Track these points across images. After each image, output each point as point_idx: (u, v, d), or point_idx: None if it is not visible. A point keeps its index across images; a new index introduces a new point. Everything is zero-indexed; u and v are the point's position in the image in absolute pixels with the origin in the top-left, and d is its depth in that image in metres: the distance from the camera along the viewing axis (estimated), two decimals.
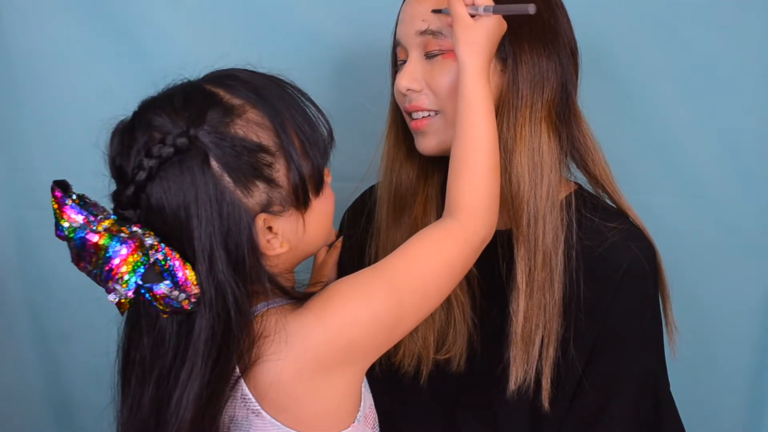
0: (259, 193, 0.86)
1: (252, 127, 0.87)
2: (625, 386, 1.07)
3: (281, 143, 0.87)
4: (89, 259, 0.82)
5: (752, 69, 1.43)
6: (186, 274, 0.83)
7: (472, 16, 0.98)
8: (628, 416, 1.07)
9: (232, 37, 1.45)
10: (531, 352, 1.04)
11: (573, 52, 1.09)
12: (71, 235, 0.82)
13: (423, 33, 1.06)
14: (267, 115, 0.88)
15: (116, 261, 0.82)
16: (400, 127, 1.15)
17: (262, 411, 0.88)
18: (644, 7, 1.43)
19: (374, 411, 0.97)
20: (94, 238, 0.82)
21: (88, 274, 0.84)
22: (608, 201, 1.12)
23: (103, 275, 0.82)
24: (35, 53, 1.44)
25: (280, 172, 0.87)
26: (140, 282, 0.82)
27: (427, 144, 1.08)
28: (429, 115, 1.07)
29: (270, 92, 0.90)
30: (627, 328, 1.07)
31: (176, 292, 0.83)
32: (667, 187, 1.47)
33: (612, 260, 1.05)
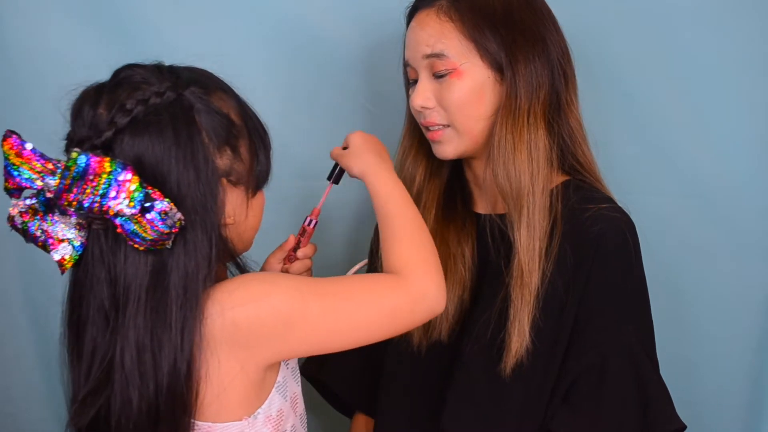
0: (226, 158, 0.95)
1: (225, 105, 0.96)
2: (611, 354, 1.11)
3: (246, 127, 0.97)
4: (86, 185, 0.85)
5: (752, 69, 1.43)
6: (170, 204, 0.87)
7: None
8: (610, 390, 1.11)
9: (234, 39, 1.45)
10: (525, 328, 1.11)
11: (564, 54, 1.19)
12: (75, 157, 0.84)
13: (428, 56, 1.16)
14: (235, 101, 0.98)
15: (123, 181, 0.85)
16: (416, 133, 1.27)
17: None
18: (644, 7, 1.43)
19: (288, 422, 1.00)
20: (99, 161, 0.84)
21: (76, 206, 0.85)
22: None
23: (105, 199, 0.85)
24: (35, 53, 1.44)
25: (243, 148, 0.97)
26: (143, 200, 0.85)
27: (444, 151, 1.20)
28: (442, 128, 1.19)
29: (234, 92, 1.00)
30: (607, 295, 1.13)
31: (174, 210, 0.87)
32: (667, 187, 1.47)
33: (591, 231, 1.12)
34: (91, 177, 0.84)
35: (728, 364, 1.50)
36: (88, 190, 0.85)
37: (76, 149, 0.86)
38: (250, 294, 0.92)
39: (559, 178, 1.19)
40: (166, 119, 0.89)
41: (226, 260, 0.98)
